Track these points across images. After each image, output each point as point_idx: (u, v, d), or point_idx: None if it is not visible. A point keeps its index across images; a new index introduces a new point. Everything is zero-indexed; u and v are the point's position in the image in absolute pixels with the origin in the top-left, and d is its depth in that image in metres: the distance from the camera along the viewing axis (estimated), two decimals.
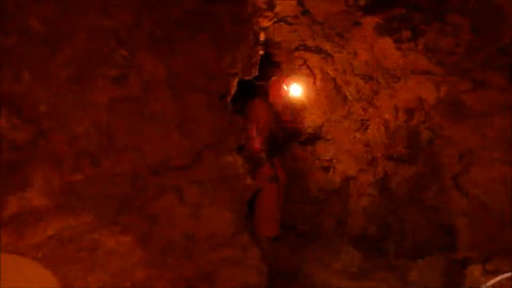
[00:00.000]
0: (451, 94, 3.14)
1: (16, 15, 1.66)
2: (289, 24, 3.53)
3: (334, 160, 4.11)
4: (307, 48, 3.83)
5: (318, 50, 3.80)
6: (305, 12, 3.37)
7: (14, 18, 1.66)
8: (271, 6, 2.94)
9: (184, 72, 2.13)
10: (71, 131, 1.79)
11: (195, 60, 2.16)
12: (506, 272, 2.69)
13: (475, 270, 2.83)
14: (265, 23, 3.31)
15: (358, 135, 3.91)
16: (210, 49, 2.21)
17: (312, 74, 4.07)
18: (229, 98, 2.44)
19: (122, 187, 1.94)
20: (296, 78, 3.99)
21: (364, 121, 3.85)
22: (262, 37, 2.99)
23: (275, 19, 3.38)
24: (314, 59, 3.93)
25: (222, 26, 2.23)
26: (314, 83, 4.09)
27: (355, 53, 3.59)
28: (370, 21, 3.24)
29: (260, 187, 3.45)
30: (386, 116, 3.66)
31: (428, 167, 3.34)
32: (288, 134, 4.24)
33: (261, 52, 3.00)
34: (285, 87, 3.89)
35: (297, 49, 3.90)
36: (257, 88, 3.83)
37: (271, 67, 4.08)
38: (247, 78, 2.62)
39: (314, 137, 4.24)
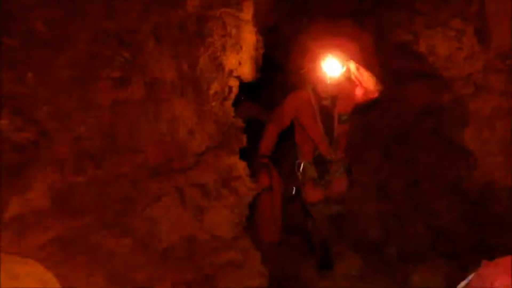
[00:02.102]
0: (453, 98, 3.14)
1: (20, 17, 1.67)
2: (291, 27, 3.54)
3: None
4: (308, 51, 3.83)
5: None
6: (307, 14, 3.38)
7: (18, 20, 1.67)
8: (274, 8, 2.94)
9: (186, 75, 2.13)
10: (73, 133, 1.79)
11: (197, 62, 2.16)
12: None
13: None
14: (268, 25, 3.31)
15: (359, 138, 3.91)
16: (212, 52, 2.21)
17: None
18: (231, 101, 2.44)
19: (123, 189, 1.94)
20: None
21: (366, 124, 3.85)
22: (264, 39, 2.99)
23: (278, 22, 3.39)
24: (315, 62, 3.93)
25: (225, 29, 2.24)
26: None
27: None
28: (372, 25, 3.25)
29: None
30: (388, 119, 3.66)
31: (430, 170, 3.33)
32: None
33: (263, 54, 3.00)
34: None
35: (298, 51, 3.90)
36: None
37: (273, 69, 4.08)
38: (249, 80, 2.62)
39: None
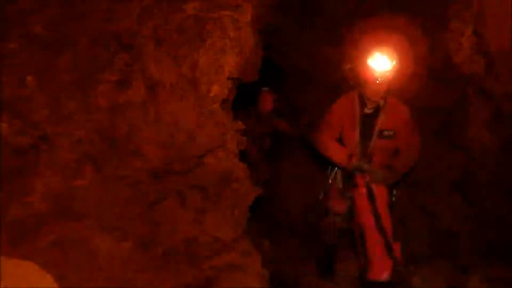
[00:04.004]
0: (453, 99, 3.14)
1: (20, 21, 1.68)
2: (291, 27, 3.54)
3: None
4: (308, 52, 3.84)
5: (319, 54, 3.80)
6: (308, 16, 3.38)
7: (17, 23, 1.67)
8: (274, 10, 2.94)
9: (186, 77, 2.13)
10: (73, 136, 1.79)
11: (197, 64, 2.16)
12: (509, 278, 2.68)
13: (477, 276, 2.82)
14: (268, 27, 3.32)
15: None
16: (212, 54, 2.21)
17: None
18: (230, 103, 2.44)
19: (123, 192, 1.94)
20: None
21: None
22: (263, 41, 2.99)
23: (277, 23, 3.39)
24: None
25: (224, 31, 2.24)
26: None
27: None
28: (371, 26, 3.24)
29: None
30: None
31: (431, 172, 3.33)
32: None
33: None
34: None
35: (299, 53, 3.90)
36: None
37: (273, 71, 4.09)
38: (249, 82, 2.62)
39: None
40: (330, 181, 2.88)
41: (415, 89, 3.01)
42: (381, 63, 2.53)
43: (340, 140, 2.81)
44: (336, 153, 2.74)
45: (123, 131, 1.92)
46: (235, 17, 2.21)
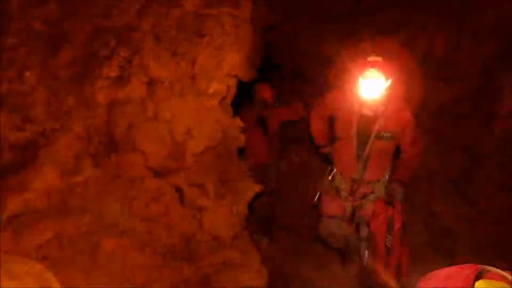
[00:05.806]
0: (452, 99, 3.15)
1: (19, 16, 1.67)
2: (290, 25, 3.54)
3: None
4: (307, 51, 3.83)
5: (319, 53, 3.80)
6: (306, 14, 3.38)
7: (16, 19, 1.66)
8: (273, 8, 2.94)
9: (185, 74, 2.13)
10: (72, 132, 1.78)
11: (196, 62, 2.16)
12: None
13: None
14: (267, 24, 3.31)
15: None
16: (211, 51, 2.21)
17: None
18: (229, 100, 2.43)
19: (122, 189, 1.93)
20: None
21: None
22: (262, 39, 2.98)
23: (276, 21, 3.39)
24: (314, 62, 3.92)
25: (223, 28, 2.23)
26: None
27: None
28: (369, 25, 3.25)
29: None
30: None
31: (429, 171, 3.33)
32: None
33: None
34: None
35: (297, 51, 3.90)
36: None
37: (271, 69, 4.08)
38: (247, 80, 2.62)
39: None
40: (324, 183, 2.84)
41: (414, 88, 3.02)
42: (370, 88, 2.48)
43: (336, 136, 2.79)
44: (316, 130, 2.86)
45: (122, 127, 1.92)
46: (234, 14, 2.20)
